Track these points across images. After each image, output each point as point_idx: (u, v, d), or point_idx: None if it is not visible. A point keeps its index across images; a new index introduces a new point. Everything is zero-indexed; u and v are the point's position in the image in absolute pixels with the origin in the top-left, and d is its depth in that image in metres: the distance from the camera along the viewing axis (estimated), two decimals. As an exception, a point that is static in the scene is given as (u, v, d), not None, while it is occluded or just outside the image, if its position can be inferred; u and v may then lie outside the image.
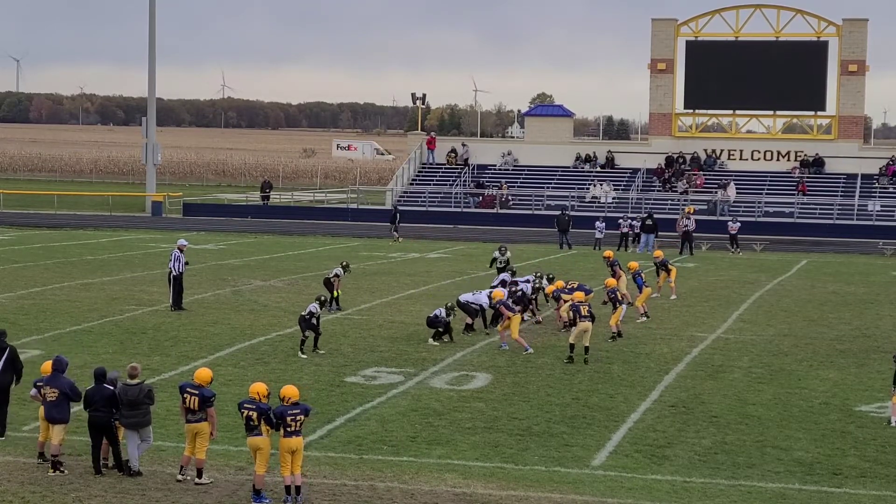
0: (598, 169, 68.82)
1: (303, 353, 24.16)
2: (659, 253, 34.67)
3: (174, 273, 29.74)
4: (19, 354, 18.34)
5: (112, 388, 15.85)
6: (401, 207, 65.52)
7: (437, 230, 59.22)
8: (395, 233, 53.45)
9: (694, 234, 49.80)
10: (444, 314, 26.05)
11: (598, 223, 52.00)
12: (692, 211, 52.87)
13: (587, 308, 24.36)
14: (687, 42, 67.68)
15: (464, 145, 72.47)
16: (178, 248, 30.25)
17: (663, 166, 67.14)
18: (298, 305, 30.89)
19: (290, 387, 15.17)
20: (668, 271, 33.59)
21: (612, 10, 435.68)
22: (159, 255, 44.19)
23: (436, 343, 25.60)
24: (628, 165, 68.68)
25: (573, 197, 64.47)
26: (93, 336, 25.79)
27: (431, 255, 46.39)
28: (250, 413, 15.01)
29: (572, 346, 24.12)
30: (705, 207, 61.91)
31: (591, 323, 24.23)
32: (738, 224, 51.37)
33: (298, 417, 14.81)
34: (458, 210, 65.55)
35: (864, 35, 65.72)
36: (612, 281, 27.91)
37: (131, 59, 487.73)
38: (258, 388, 15.24)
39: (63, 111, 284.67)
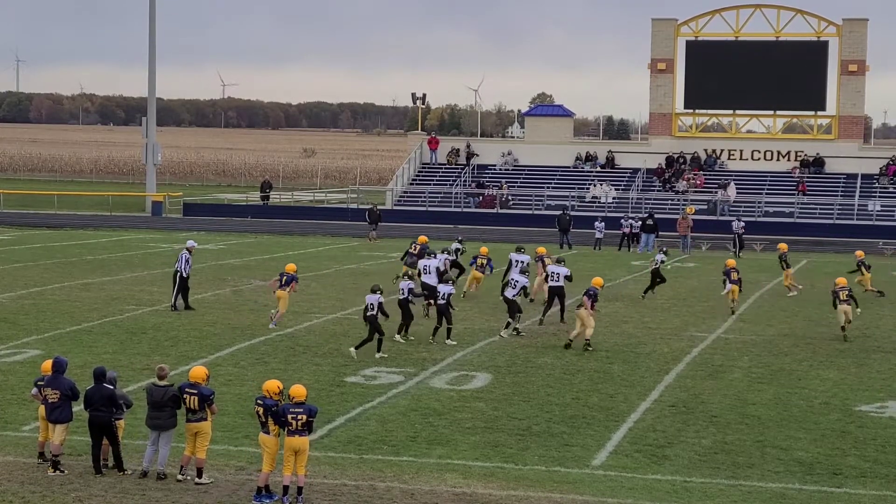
0: (598, 169, 68.84)
1: (451, 340, 25.26)
2: (783, 246, 35.77)
3: (183, 274, 29.76)
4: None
5: (111, 387, 15.85)
6: (399, 207, 65.66)
7: (437, 230, 59.16)
8: (371, 233, 53.32)
9: (692, 234, 49.82)
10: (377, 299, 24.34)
11: (597, 223, 52.01)
12: (692, 211, 52.84)
13: (846, 293, 27.98)
14: (687, 42, 67.70)
15: (469, 146, 72.30)
16: (187, 250, 30.40)
17: (663, 166, 67.15)
18: (299, 305, 30.92)
19: (298, 386, 15.18)
20: (787, 267, 35.84)
21: (612, 10, 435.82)
22: (159, 255, 44.22)
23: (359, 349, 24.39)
24: (628, 165, 68.70)
25: (573, 197, 64.49)
26: (93, 336, 25.80)
27: (431, 255, 46.32)
28: (258, 409, 15.10)
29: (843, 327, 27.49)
30: (705, 207, 61.92)
31: (850, 306, 27.94)
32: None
33: (300, 417, 14.80)
34: (459, 210, 65.55)
35: (864, 35, 65.73)
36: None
37: (131, 59, 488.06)
38: (269, 385, 15.30)
39: (63, 111, 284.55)
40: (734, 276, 31.59)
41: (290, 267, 28.69)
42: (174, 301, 29.85)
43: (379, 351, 23.94)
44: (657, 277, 34.16)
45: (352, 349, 24.00)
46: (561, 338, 26.74)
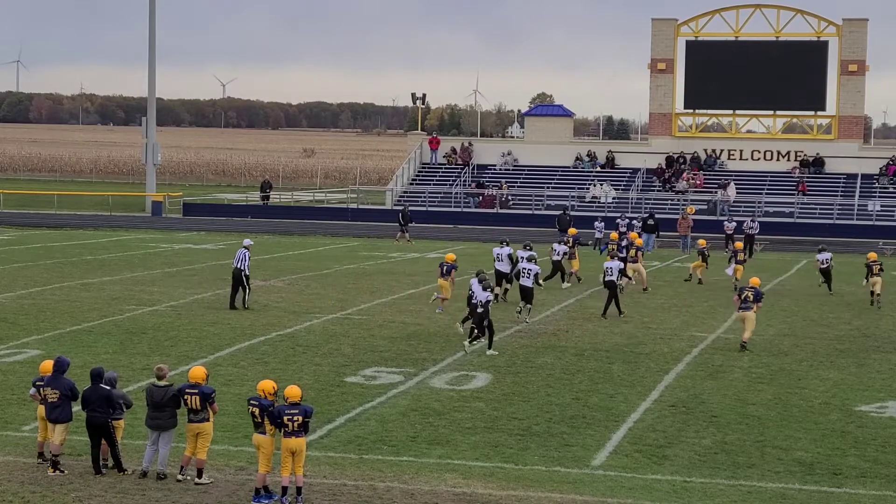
0: (598, 169, 68.84)
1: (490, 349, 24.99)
2: (873, 255, 34.75)
3: (247, 272, 30.30)
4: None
5: (108, 388, 15.83)
6: (399, 207, 65.60)
7: (437, 230, 59.21)
8: (405, 233, 53.11)
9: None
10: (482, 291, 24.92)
11: (596, 223, 51.97)
12: (693, 211, 52.76)
13: (879, 266, 32.20)
14: (687, 42, 67.69)
15: (470, 144, 72.30)
16: (245, 248, 30.91)
17: (663, 166, 67.15)
18: (299, 305, 30.95)
19: (293, 387, 15.13)
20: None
21: (612, 10, 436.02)
22: (159, 255, 44.22)
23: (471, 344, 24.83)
24: (628, 165, 68.70)
25: (573, 197, 64.48)
26: (93, 336, 25.79)
27: (431, 255, 46.38)
28: (253, 409, 15.06)
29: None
30: (705, 207, 61.91)
31: (881, 278, 32.34)
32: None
33: (296, 418, 14.77)
34: (459, 210, 65.55)
35: (864, 35, 65.73)
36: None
37: (131, 59, 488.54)
38: (264, 385, 15.27)
39: (63, 111, 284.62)
40: (741, 256, 36.54)
41: (450, 257, 30.57)
42: (242, 300, 30.20)
43: (490, 348, 24.60)
44: (826, 276, 36.02)
45: (465, 343, 24.63)
46: (561, 337, 26.75)
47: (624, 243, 37.22)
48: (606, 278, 30.22)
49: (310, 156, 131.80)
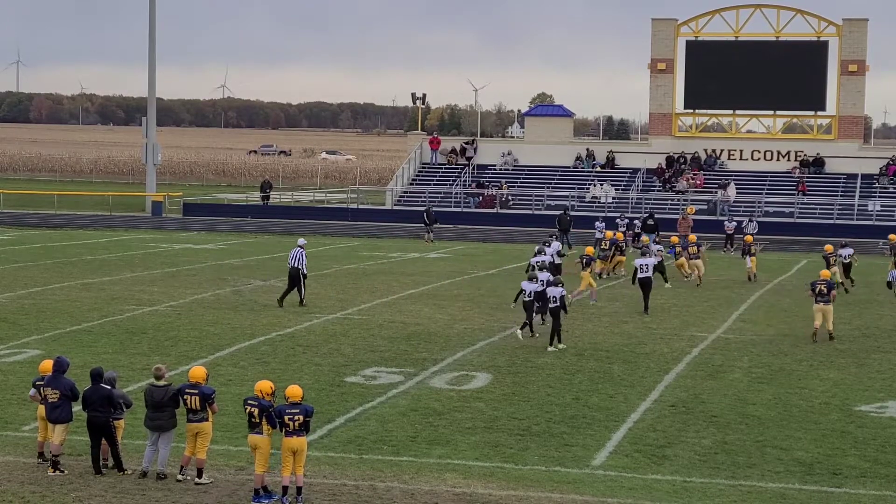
0: (598, 169, 68.83)
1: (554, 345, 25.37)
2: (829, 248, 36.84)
3: (304, 271, 30.92)
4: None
5: (109, 387, 15.84)
6: (399, 207, 65.62)
7: (438, 230, 59.12)
8: (430, 233, 53.05)
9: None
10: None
11: (597, 223, 51.91)
12: (693, 211, 52.72)
13: (834, 258, 34.74)
14: (687, 42, 67.68)
15: (472, 143, 72.20)
16: (300, 247, 31.44)
17: (663, 166, 67.14)
18: (298, 305, 30.92)
19: (294, 387, 15.14)
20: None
21: (612, 10, 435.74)
22: (159, 255, 44.22)
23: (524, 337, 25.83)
24: (628, 165, 68.69)
25: (573, 197, 64.47)
26: (93, 336, 25.79)
27: (431, 255, 46.39)
28: (252, 409, 15.04)
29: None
30: (705, 207, 61.90)
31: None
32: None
33: (297, 418, 14.78)
34: (459, 210, 65.52)
35: (864, 35, 65.70)
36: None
37: (131, 59, 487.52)
38: (262, 385, 15.27)
39: (63, 111, 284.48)
40: (753, 249, 38.68)
41: (589, 250, 32.77)
42: (299, 297, 30.80)
43: (560, 342, 25.25)
44: (846, 270, 36.90)
45: (549, 348, 25.07)
46: (564, 338, 26.73)
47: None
48: (640, 275, 30.77)
49: (310, 156, 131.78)
